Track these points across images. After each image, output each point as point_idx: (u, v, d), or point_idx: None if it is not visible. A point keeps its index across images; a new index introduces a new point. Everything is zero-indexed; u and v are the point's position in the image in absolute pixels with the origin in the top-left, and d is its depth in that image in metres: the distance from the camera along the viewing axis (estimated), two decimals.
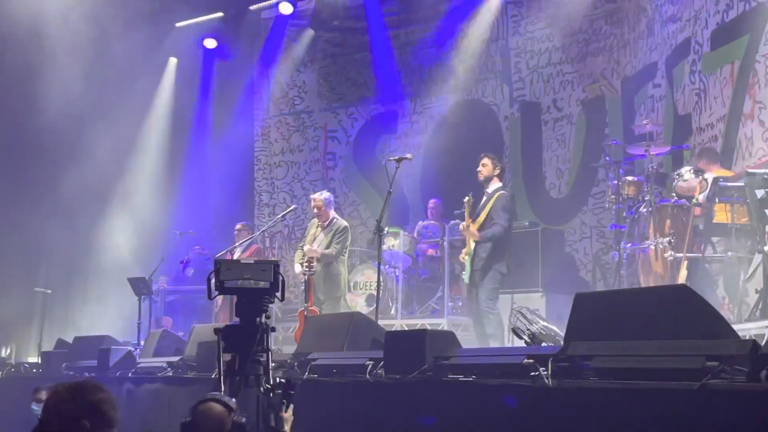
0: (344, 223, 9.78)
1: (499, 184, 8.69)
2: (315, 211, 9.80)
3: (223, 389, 4.28)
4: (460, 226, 8.77)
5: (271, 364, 4.46)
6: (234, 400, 4.15)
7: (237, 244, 10.71)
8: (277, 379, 4.39)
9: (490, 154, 8.82)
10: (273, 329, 4.51)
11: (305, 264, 9.19)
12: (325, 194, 9.80)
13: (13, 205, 12.64)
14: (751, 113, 8.74)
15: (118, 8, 13.08)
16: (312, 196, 9.98)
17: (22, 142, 12.98)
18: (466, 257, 8.47)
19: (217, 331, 4.46)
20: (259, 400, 4.34)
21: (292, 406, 4.28)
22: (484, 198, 8.63)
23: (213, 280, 4.45)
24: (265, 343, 4.40)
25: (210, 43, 14.74)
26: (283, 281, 4.45)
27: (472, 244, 8.42)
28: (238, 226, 11.77)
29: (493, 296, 8.41)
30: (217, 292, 4.47)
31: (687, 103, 9.92)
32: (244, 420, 3.96)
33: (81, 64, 13.03)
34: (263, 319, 4.41)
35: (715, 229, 7.76)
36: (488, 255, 8.35)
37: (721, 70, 9.30)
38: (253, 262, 4.47)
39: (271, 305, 4.54)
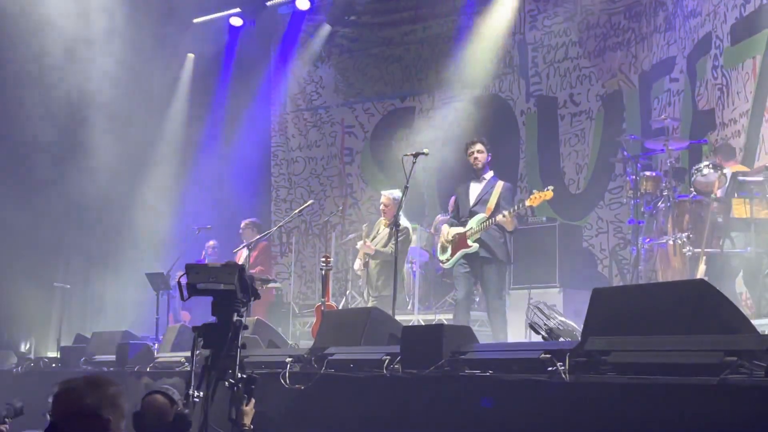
0: (405, 223, 9.33)
1: (492, 173, 8.47)
2: (382, 207, 9.71)
3: (197, 383, 4.49)
4: (498, 217, 8.06)
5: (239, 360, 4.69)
6: (177, 393, 4.46)
7: (246, 243, 10.55)
8: (240, 375, 4.60)
9: (483, 139, 8.55)
10: (245, 327, 4.77)
11: (323, 260, 9.19)
12: (395, 193, 9.55)
13: (31, 201, 12.71)
14: None
15: (136, 4, 13.14)
16: (382, 192, 9.86)
17: (38, 139, 13.04)
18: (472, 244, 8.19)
19: (195, 328, 4.67)
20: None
21: (253, 400, 4.56)
22: (482, 186, 8.37)
23: (184, 283, 4.73)
24: (238, 340, 4.62)
25: (236, 21, 14.78)
26: (248, 283, 4.68)
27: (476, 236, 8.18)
28: (242, 225, 11.73)
29: (503, 290, 8.43)
30: (187, 295, 4.74)
31: (710, 98, 9.84)
32: (186, 411, 4.31)
33: (99, 60, 13.09)
34: (236, 318, 4.61)
35: (734, 223, 7.72)
36: (499, 247, 8.21)
37: (743, 65, 9.22)
38: (219, 266, 4.73)
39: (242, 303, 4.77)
